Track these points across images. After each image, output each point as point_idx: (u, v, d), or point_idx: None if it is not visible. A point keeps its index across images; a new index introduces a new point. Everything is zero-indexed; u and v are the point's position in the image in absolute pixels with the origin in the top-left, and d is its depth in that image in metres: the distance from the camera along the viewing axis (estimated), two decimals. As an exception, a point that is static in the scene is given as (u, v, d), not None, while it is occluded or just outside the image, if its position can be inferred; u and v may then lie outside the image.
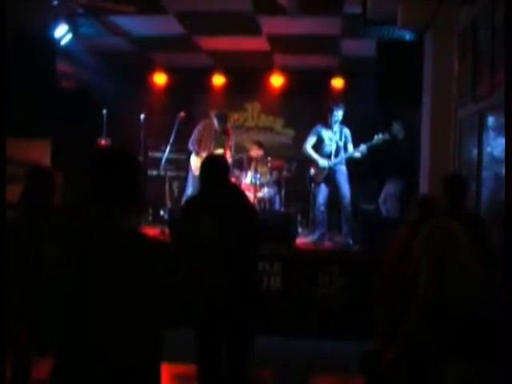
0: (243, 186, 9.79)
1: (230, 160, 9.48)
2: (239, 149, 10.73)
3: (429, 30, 7.55)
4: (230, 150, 9.88)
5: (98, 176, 2.45)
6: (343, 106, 8.96)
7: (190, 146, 9.74)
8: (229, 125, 10.68)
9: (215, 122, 9.82)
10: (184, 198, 9.37)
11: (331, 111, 8.91)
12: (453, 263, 3.13)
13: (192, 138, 9.78)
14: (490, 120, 5.96)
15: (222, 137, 9.89)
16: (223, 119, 9.93)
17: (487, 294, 3.14)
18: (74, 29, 9.04)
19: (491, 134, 5.92)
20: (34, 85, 8.51)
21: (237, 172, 10.27)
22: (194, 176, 9.55)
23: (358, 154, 8.86)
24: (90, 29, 9.60)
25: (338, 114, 8.88)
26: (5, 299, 4.06)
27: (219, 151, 9.63)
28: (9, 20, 7.95)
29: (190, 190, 9.59)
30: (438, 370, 2.93)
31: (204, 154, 9.36)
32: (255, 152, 10.50)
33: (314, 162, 9.06)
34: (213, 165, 4.62)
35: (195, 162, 9.58)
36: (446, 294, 3.04)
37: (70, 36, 9.06)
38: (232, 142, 10.01)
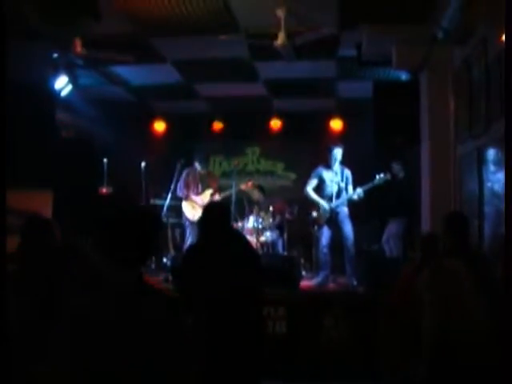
0: (246, 231, 9.81)
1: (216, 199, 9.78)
2: (240, 194, 10.74)
3: (424, 69, 7.64)
4: (217, 192, 10.05)
5: (123, 236, 2.39)
6: (342, 146, 9.01)
7: (179, 193, 9.89)
8: (229, 169, 10.82)
9: (197, 165, 10.09)
10: (185, 246, 9.42)
11: (330, 151, 8.95)
12: (456, 301, 3.11)
13: (179, 185, 9.98)
14: (489, 155, 5.98)
15: (207, 179, 10.12)
16: (204, 161, 10.30)
17: (491, 331, 3.11)
18: (73, 80, 9.13)
19: (490, 169, 5.93)
20: (34, 136, 8.58)
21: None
22: (189, 222, 9.68)
23: (355, 197, 8.86)
24: (89, 79, 9.73)
25: (337, 152, 8.92)
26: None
27: (208, 192, 9.88)
28: (9, 72, 8.06)
29: (190, 238, 9.65)
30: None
31: (194, 197, 9.83)
32: (256, 196, 10.53)
33: (315, 205, 9.07)
34: (214, 212, 4.63)
35: (187, 208, 9.81)
36: (449, 333, 3.01)
37: (70, 87, 9.15)
38: (217, 183, 10.24)
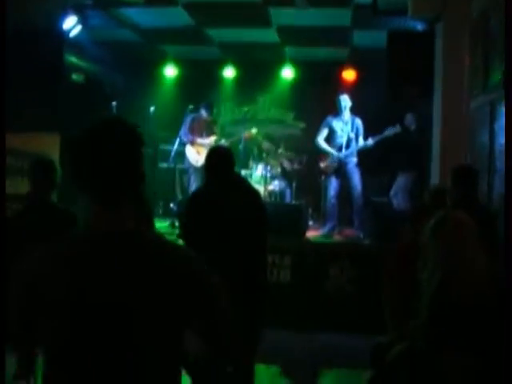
0: (254, 179, 9.78)
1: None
2: (249, 142, 10.65)
3: (440, 20, 7.47)
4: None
5: (102, 168, 1.77)
6: (348, 93, 8.99)
7: (184, 138, 9.80)
8: (239, 116, 10.83)
9: (203, 111, 10.02)
10: (190, 192, 9.46)
11: (337, 99, 8.90)
12: (461, 253, 3.07)
13: (183, 130, 9.91)
14: (503, 110, 5.87)
15: (211, 126, 10.14)
16: (210, 108, 10.20)
17: (495, 286, 3.08)
18: (83, 20, 9.00)
19: (503, 124, 5.83)
20: (42, 77, 8.52)
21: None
22: (193, 168, 9.64)
23: (366, 145, 8.79)
24: (99, 20, 9.55)
25: (344, 100, 8.84)
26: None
27: (212, 138, 9.86)
28: (17, 12, 7.97)
29: (194, 185, 9.59)
30: (443, 363, 2.88)
31: (200, 141, 9.79)
32: (265, 146, 10.47)
33: (324, 154, 9.01)
34: (217, 157, 4.56)
35: (191, 153, 9.76)
36: (451, 284, 2.98)
37: (79, 28, 9.02)
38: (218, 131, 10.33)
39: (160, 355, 1.76)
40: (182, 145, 9.95)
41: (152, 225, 4.20)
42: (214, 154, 4.60)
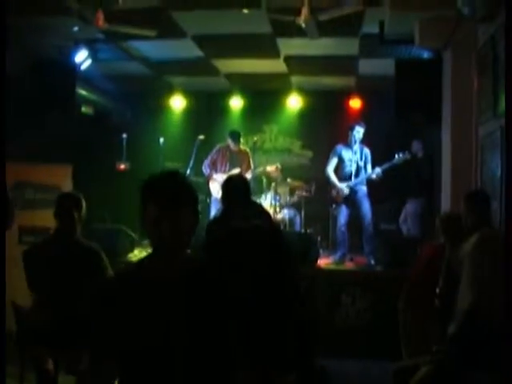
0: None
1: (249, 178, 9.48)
2: (259, 172, 10.69)
3: (447, 47, 7.55)
4: (248, 169, 9.88)
5: None
6: (364, 125, 8.97)
7: (204, 170, 9.88)
8: (247, 146, 10.83)
9: (229, 141, 9.99)
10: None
11: (352, 129, 8.93)
12: (492, 276, 3.13)
13: (205, 162, 9.98)
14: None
15: (238, 157, 10.01)
16: (236, 137, 10.10)
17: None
18: (93, 54, 9.10)
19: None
20: (54, 110, 8.63)
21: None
22: (215, 199, 9.72)
23: (374, 177, 8.85)
24: (109, 54, 9.64)
25: (359, 131, 8.89)
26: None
27: (235, 171, 9.66)
28: (30, 46, 8.11)
29: (212, 213, 9.66)
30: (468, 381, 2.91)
31: (215, 176, 9.82)
32: (274, 175, 10.47)
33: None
34: (233, 185, 4.61)
35: (211, 186, 9.77)
36: (483, 305, 3.03)
37: (89, 61, 9.12)
38: (250, 161, 10.04)
39: None
40: (194, 176, 10.00)
41: None
42: (229, 183, 4.66)
